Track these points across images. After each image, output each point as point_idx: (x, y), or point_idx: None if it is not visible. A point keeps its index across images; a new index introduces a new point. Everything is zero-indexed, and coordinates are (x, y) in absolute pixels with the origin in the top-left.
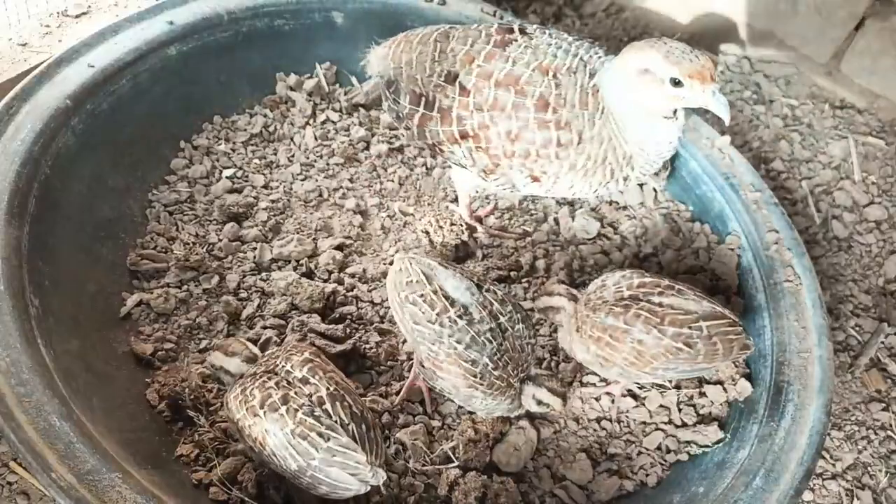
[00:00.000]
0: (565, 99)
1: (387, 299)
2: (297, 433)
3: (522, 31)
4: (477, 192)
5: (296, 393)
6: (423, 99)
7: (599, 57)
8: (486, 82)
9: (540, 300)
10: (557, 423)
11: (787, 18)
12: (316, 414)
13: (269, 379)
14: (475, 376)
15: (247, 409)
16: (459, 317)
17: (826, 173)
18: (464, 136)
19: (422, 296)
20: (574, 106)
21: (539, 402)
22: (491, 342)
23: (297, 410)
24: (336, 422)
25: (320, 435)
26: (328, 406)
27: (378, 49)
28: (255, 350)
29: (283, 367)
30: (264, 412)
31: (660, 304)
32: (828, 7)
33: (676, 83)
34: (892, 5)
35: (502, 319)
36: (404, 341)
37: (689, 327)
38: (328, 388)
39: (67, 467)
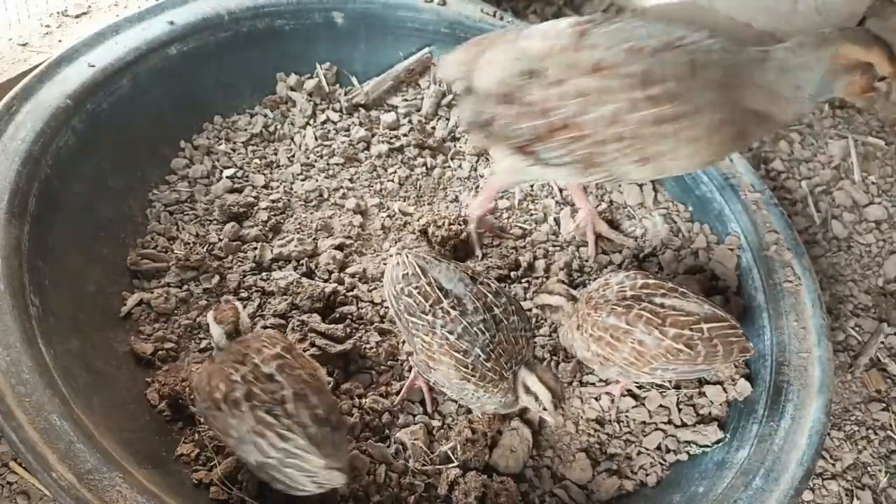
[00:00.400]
0: (670, 74)
1: (387, 299)
2: (255, 430)
3: (594, 22)
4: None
5: (260, 390)
6: (510, 97)
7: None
8: (572, 71)
9: (538, 297)
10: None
11: (787, 18)
12: (275, 413)
13: (237, 370)
14: (466, 367)
15: (211, 402)
16: (452, 307)
17: (826, 173)
18: (559, 127)
19: (416, 287)
20: (681, 79)
21: (527, 390)
22: (483, 333)
23: (257, 408)
24: (295, 423)
25: (278, 435)
26: (290, 406)
27: (452, 56)
28: (245, 324)
29: (252, 358)
30: (227, 406)
31: (661, 306)
32: (828, 7)
33: (881, 79)
34: (892, 5)
35: (496, 311)
36: (404, 341)
37: (691, 329)
38: (293, 389)
39: (68, 467)
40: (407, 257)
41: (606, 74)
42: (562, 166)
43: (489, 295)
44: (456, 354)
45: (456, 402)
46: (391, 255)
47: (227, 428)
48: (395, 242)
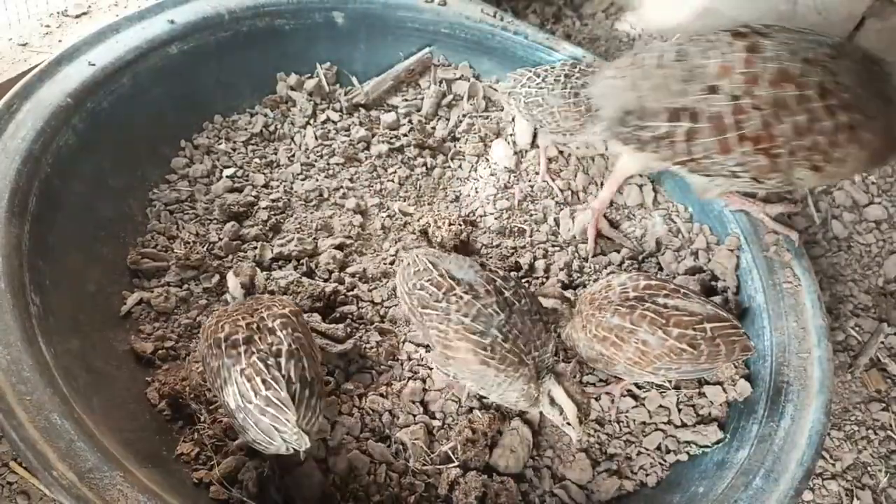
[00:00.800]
0: (845, 84)
1: (387, 299)
2: (244, 373)
3: (756, 32)
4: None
5: (259, 339)
6: (685, 114)
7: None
8: (756, 85)
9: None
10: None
11: (786, 18)
12: (268, 363)
13: (243, 318)
14: (485, 349)
15: (213, 340)
16: (465, 292)
17: None
18: (742, 139)
19: (429, 280)
20: (856, 89)
21: (552, 402)
22: (498, 313)
23: (253, 353)
24: (283, 376)
25: (263, 382)
26: (282, 360)
27: (604, 83)
28: (259, 282)
29: (261, 312)
30: (225, 347)
31: (665, 306)
32: (827, 7)
33: None
34: (892, 5)
35: (507, 293)
36: (404, 341)
37: (694, 328)
38: (289, 346)
39: (68, 465)
40: (417, 256)
41: (789, 86)
42: (728, 177)
43: (497, 279)
44: (472, 336)
45: (457, 401)
46: (402, 258)
47: (220, 368)
48: (395, 242)
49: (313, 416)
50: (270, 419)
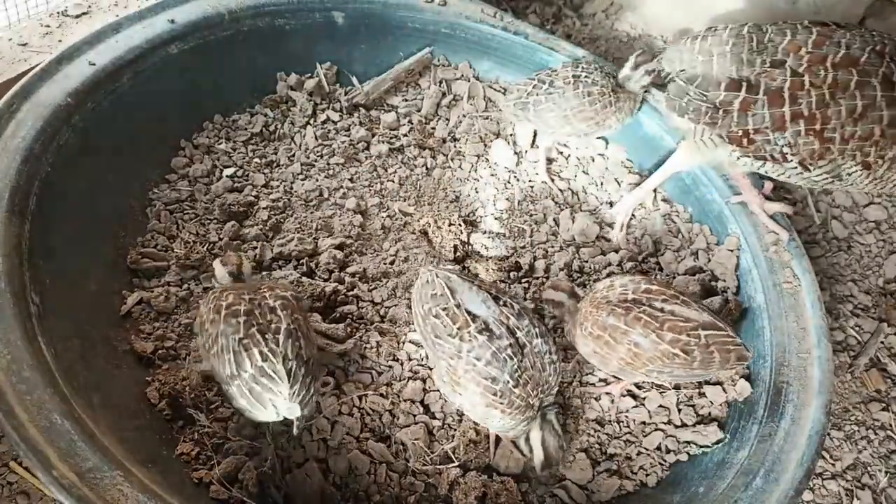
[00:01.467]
0: None
1: (387, 299)
2: (242, 342)
3: (838, 25)
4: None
5: (260, 314)
6: (744, 84)
7: None
8: (820, 65)
9: (545, 292)
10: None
11: (786, 18)
12: (266, 336)
13: (247, 293)
14: (495, 394)
15: (213, 306)
16: (480, 332)
17: None
18: (796, 116)
19: (445, 309)
20: None
21: (526, 440)
22: (511, 359)
23: (252, 325)
24: (280, 351)
25: (260, 353)
26: (281, 337)
27: (677, 47)
28: (246, 270)
29: (262, 292)
30: (225, 314)
31: (661, 310)
32: (828, 7)
33: None
34: (892, 5)
35: (520, 335)
36: (404, 341)
37: (688, 334)
38: (288, 325)
39: (69, 465)
40: (436, 277)
41: (853, 70)
42: (777, 161)
43: (511, 317)
44: (484, 381)
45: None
46: (421, 273)
47: (218, 335)
48: (396, 242)
49: (307, 394)
50: (263, 388)
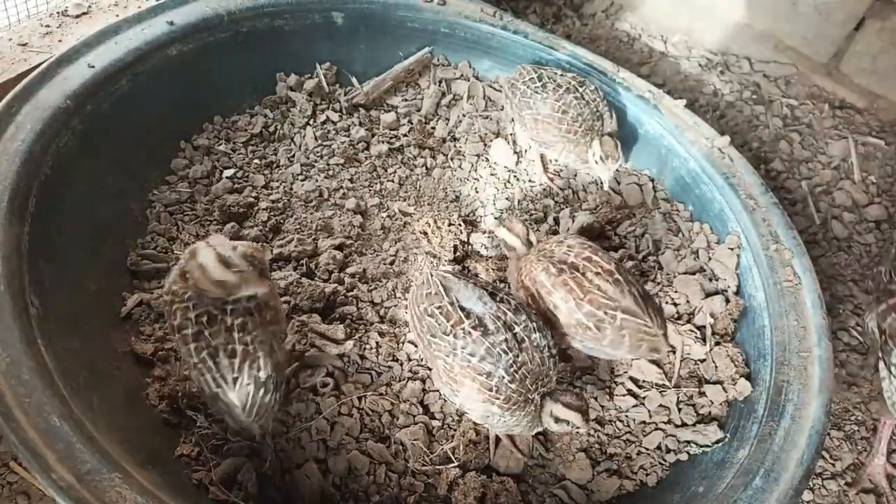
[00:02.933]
0: None
1: (387, 299)
2: (196, 367)
3: None
4: None
5: (211, 334)
6: None
7: None
8: None
9: (499, 230)
10: None
11: (787, 18)
12: (217, 360)
13: (194, 310)
14: (490, 390)
15: (170, 315)
16: (473, 328)
17: (826, 173)
18: None
19: (439, 307)
20: None
21: (557, 420)
22: (506, 353)
23: (203, 349)
24: (233, 379)
25: (213, 379)
26: (236, 360)
27: None
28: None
29: (220, 306)
30: (178, 337)
31: (590, 282)
32: (828, 7)
33: None
34: (892, 5)
35: (517, 329)
36: (404, 342)
37: (605, 312)
38: (245, 346)
39: (67, 467)
40: (431, 276)
41: None
42: None
43: (509, 313)
44: (479, 377)
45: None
46: (418, 276)
47: (180, 344)
48: (395, 242)
49: (268, 410)
50: (222, 409)
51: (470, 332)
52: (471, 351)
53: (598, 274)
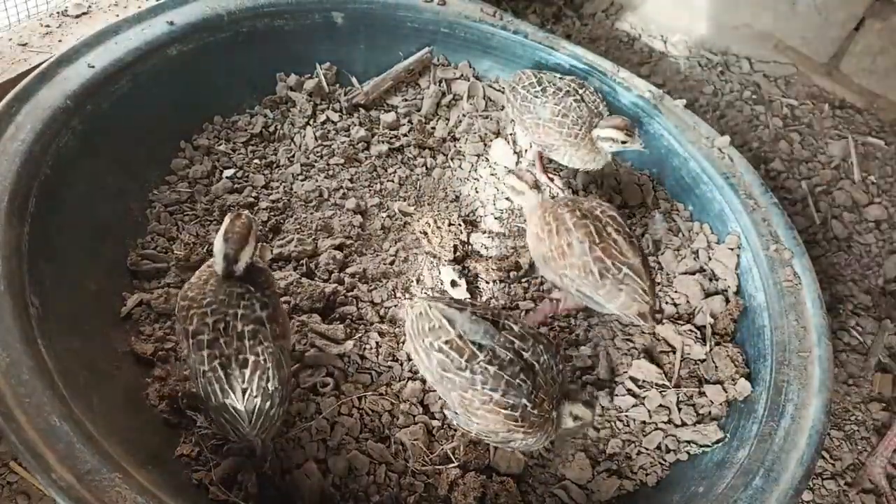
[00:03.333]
0: None
1: (387, 299)
2: (206, 375)
3: None
4: None
5: (226, 343)
6: None
7: None
8: None
9: (508, 178)
10: None
11: (787, 18)
12: (229, 371)
13: (213, 315)
14: (516, 421)
15: (182, 317)
16: (489, 363)
17: (826, 173)
18: None
19: (447, 342)
20: None
21: (575, 418)
22: (525, 382)
23: (216, 357)
24: (242, 388)
25: (222, 390)
26: (247, 371)
27: None
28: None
29: (235, 309)
30: (192, 343)
31: (608, 234)
32: (828, 7)
33: None
34: (892, 5)
35: (526, 356)
36: (404, 342)
37: (613, 263)
38: (256, 357)
39: (67, 467)
40: (430, 308)
41: None
42: None
43: (515, 340)
44: (504, 411)
45: None
46: (411, 306)
47: (188, 351)
48: (396, 242)
49: (271, 425)
50: (226, 420)
51: (487, 368)
52: (492, 387)
53: (617, 231)
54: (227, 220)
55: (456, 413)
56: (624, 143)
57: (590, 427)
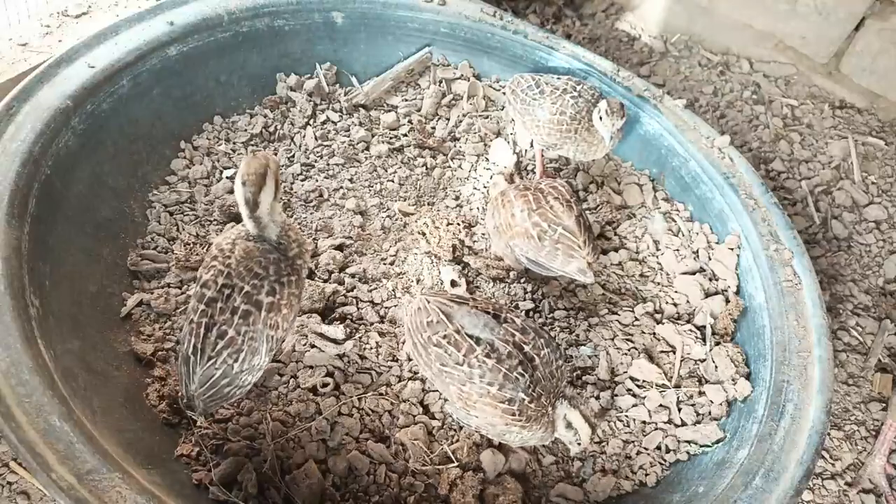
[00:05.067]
0: None
1: (387, 299)
2: (192, 323)
3: None
4: None
5: (220, 308)
6: None
7: None
8: None
9: (497, 177)
10: None
11: (787, 18)
12: (209, 335)
13: (222, 277)
14: (513, 414)
15: (206, 263)
16: (487, 355)
17: (826, 173)
18: None
19: (445, 336)
20: None
21: (568, 425)
22: (523, 376)
23: (204, 316)
24: (207, 355)
25: (193, 345)
26: (220, 344)
27: None
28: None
29: (244, 277)
30: (196, 290)
31: (546, 202)
32: (828, 7)
33: None
34: (892, 5)
35: (527, 349)
36: (404, 341)
37: (549, 225)
38: (234, 335)
39: (67, 467)
40: (428, 303)
41: None
42: None
43: (517, 333)
44: (501, 405)
45: None
46: (409, 302)
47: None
48: (396, 243)
49: (218, 401)
50: (183, 370)
51: (485, 361)
52: (489, 380)
53: (555, 198)
54: (243, 161)
55: (456, 407)
56: (611, 115)
57: (584, 443)
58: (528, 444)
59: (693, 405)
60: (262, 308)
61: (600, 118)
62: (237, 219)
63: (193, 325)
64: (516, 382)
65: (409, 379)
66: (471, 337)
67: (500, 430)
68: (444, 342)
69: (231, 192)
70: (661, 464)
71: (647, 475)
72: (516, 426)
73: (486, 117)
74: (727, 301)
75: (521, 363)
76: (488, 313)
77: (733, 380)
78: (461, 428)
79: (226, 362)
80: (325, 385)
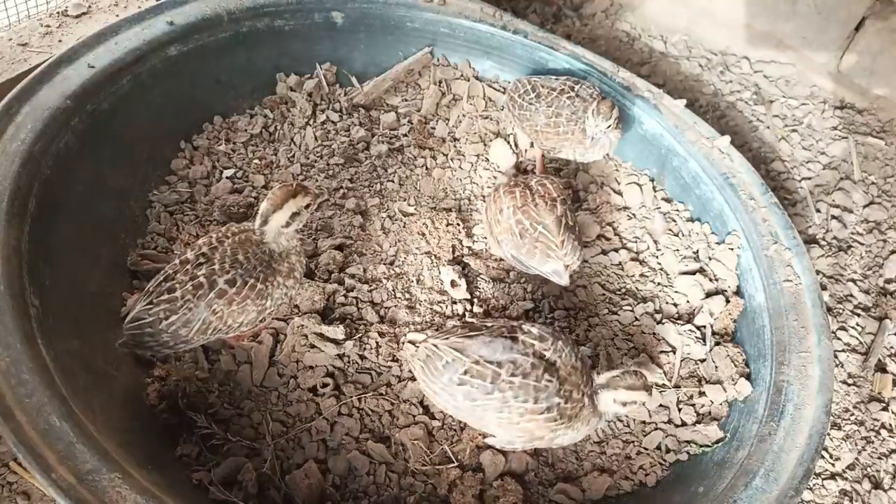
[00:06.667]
0: None
1: (387, 299)
2: (168, 269)
3: None
4: None
5: (206, 275)
6: None
7: None
8: None
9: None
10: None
11: (787, 18)
12: (167, 284)
13: (213, 252)
14: (555, 420)
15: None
16: (513, 375)
17: (826, 173)
18: None
19: (466, 372)
20: None
21: (624, 404)
22: (551, 381)
23: (178, 266)
24: (153, 300)
25: (157, 283)
26: (164, 294)
27: None
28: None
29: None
30: (190, 247)
31: (532, 200)
32: (828, 7)
33: None
34: (892, 5)
35: (548, 355)
36: (404, 342)
37: (531, 224)
38: (178, 298)
39: (68, 467)
40: (437, 347)
41: None
42: None
43: (535, 342)
44: (541, 416)
45: None
46: (411, 355)
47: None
48: (396, 243)
49: (139, 342)
50: (137, 299)
51: (512, 381)
52: (523, 398)
53: (542, 197)
54: (285, 183)
55: (499, 430)
56: (596, 115)
57: (648, 399)
58: (578, 439)
59: (693, 405)
60: (213, 288)
61: (587, 118)
62: (236, 218)
63: (169, 270)
64: (547, 390)
65: (409, 379)
66: (491, 363)
67: (549, 439)
68: (468, 377)
69: (231, 191)
70: (661, 464)
71: (647, 475)
72: (561, 429)
73: (486, 117)
74: (727, 301)
75: (546, 370)
76: (503, 336)
77: (733, 380)
78: (462, 428)
79: (157, 314)
80: (325, 385)
